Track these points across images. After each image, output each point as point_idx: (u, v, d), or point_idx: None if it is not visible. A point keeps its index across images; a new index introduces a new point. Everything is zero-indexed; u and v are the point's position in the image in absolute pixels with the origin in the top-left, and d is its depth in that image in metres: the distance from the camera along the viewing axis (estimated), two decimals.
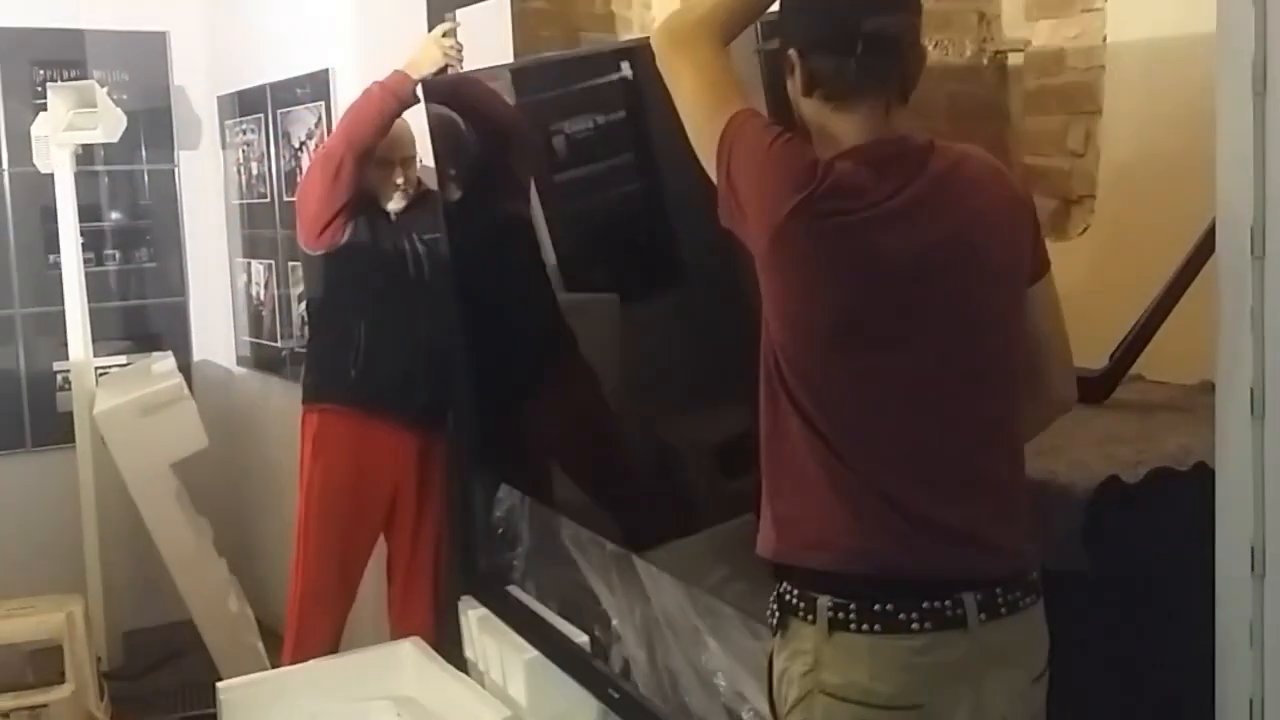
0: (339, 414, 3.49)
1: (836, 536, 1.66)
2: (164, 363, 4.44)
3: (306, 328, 3.64)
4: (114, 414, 3.98)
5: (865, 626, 1.63)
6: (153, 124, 4.86)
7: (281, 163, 4.38)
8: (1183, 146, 2.51)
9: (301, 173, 4.22)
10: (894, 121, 1.68)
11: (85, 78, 4.56)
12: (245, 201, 4.74)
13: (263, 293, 4.68)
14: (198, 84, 4.92)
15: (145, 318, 4.93)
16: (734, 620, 2.58)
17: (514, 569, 3.52)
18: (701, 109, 1.72)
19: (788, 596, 1.72)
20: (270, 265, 4.57)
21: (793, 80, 1.72)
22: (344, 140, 3.29)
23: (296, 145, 4.24)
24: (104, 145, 4.57)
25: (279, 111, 4.35)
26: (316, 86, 4.06)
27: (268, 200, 4.53)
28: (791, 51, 1.70)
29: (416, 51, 3.30)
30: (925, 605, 1.62)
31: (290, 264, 4.41)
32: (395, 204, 3.44)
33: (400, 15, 3.80)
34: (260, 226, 4.64)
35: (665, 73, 1.79)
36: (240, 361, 4.97)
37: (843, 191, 1.62)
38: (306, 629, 3.56)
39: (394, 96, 3.26)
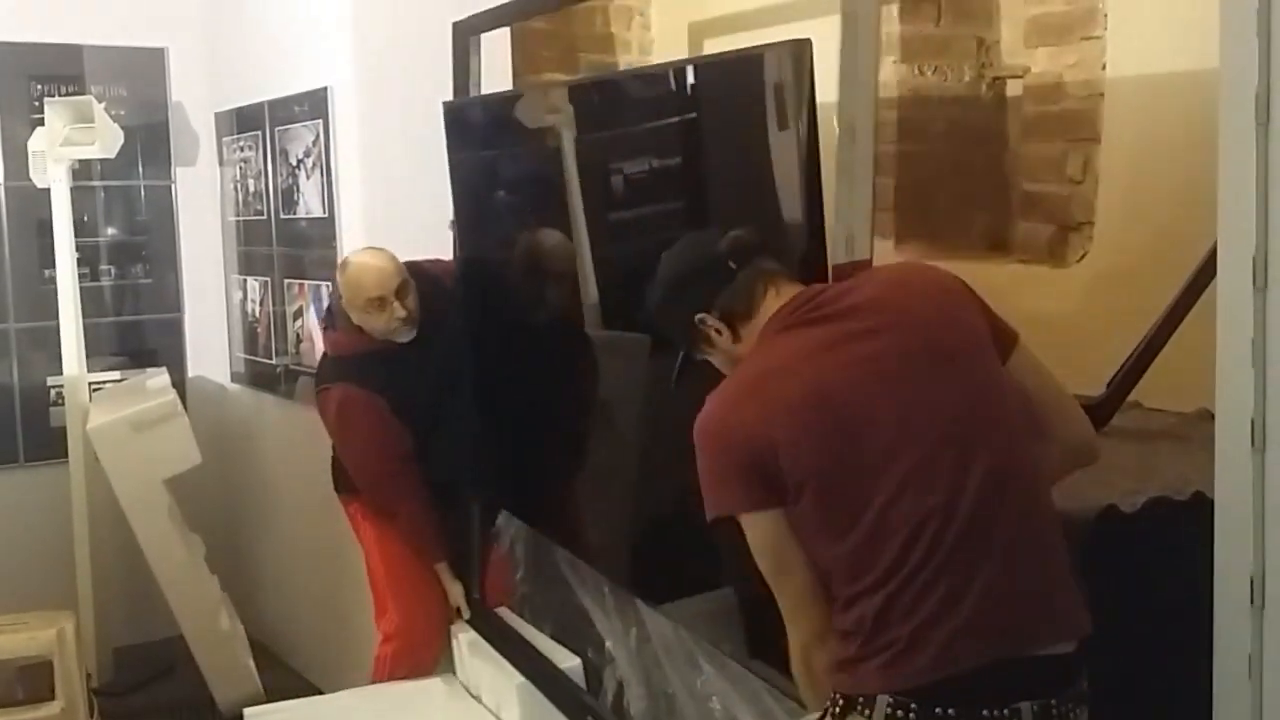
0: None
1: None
2: (158, 379, 4.42)
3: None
4: (107, 430, 3.97)
5: None
6: (150, 140, 4.86)
7: (278, 180, 4.37)
8: (1181, 175, 2.52)
9: (298, 191, 4.22)
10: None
11: (83, 93, 4.56)
12: (242, 218, 4.74)
13: (258, 309, 4.68)
14: (196, 100, 4.91)
15: (140, 333, 4.92)
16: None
17: (513, 591, 3.52)
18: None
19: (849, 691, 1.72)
20: (266, 282, 4.57)
21: (720, 336, 1.88)
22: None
23: (294, 162, 4.24)
24: (101, 160, 4.57)
25: (277, 129, 4.35)
26: (315, 104, 4.06)
27: (264, 217, 4.52)
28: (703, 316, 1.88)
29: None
30: (984, 713, 1.62)
31: (286, 281, 4.40)
32: (406, 336, 3.31)
33: (400, 34, 3.83)
34: (256, 243, 4.63)
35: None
36: (235, 378, 4.95)
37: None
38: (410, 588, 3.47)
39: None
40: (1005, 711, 1.62)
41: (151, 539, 3.99)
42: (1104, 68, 2.96)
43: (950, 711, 1.63)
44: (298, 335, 4.36)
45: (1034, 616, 1.65)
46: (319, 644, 4.47)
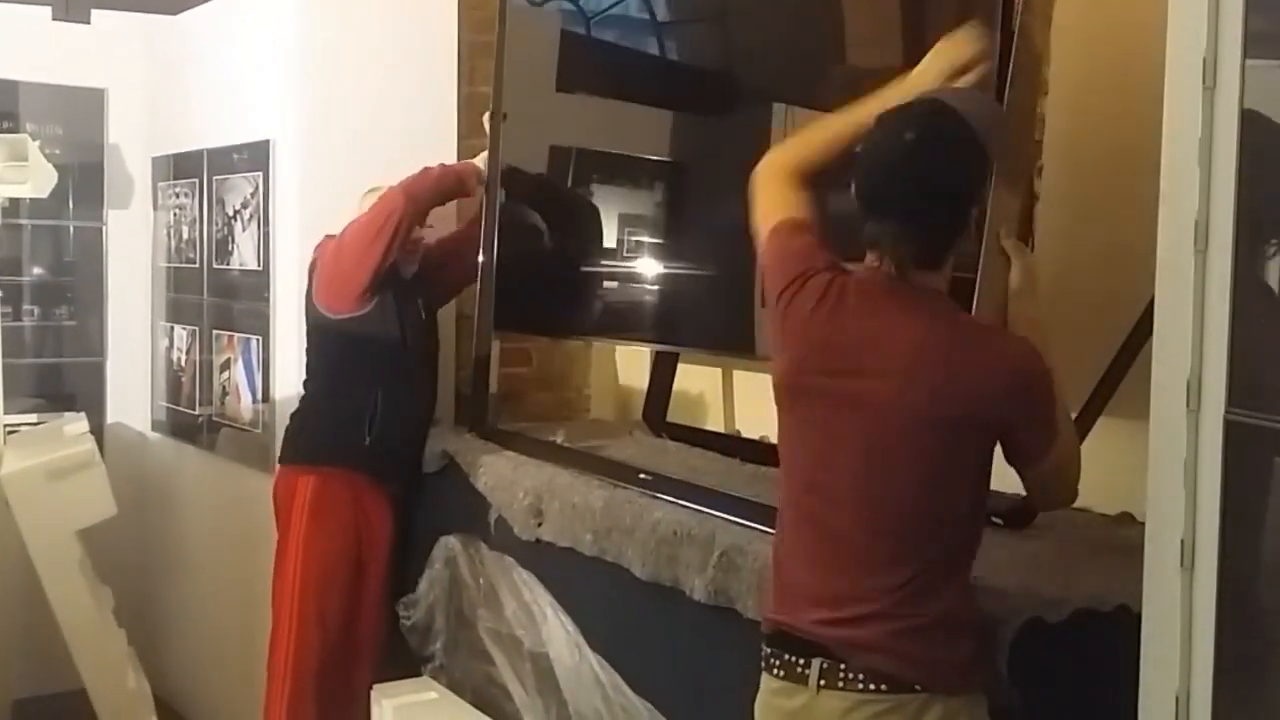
0: (344, 478, 3.43)
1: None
2: (77, 425, 4.32)
3: (304, 384, 3.58)
4: (21, 477, 3.86)
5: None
6: (84, 181, 4.79)
7: (213, 229, 4.32)
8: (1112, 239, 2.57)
9: (233, 241, 4.18)
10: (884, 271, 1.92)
11: (18, 130, 4.48)
12: (173, 265, 4.67)
13: (184, 359, 4.60)
14: (133, 143, 4.85)
15: (60, 376, 4.82)
16: None
17: (430, 659, 3.46)
18: (761, 216, 2.12)
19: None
20: (195, 332, 4.50)
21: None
22: (408, 200, 3.35)
23: (230, 213, 4.20)
24: (31, 199, 4.49)
25: (215, 177, 4.31)
26: (256, 156, 4.03)
27: (196, 266, 4.46)
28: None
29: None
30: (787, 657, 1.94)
31: (215, 331, 4.34)
32: (411, 265, 3.51)
33: (345, 90, 3.83)
34: (186, 291, 4.57)
35: (752, 196, 2.16)
36: (156, 426, 4.86)
37: (808, 292, 1.95)
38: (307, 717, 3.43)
39: (458, 177, 3.46)
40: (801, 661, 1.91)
41: (59, 591, 3.87)
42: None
43: (769, 651, 1.98)
44: (224, 388, 4.29)
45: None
46: (225, 704, 4.36)
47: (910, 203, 1.85)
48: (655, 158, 3.42)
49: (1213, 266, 1.50)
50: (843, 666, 1.85)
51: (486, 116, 3.55)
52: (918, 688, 1.81)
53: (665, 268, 3.28)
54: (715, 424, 3.85)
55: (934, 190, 1.85)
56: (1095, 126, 2.73)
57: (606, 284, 3.48)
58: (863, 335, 1.89)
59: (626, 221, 3.42)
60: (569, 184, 3.61)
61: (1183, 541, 1.50)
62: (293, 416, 3.62)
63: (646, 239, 3.39)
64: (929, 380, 1.82)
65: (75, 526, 3.91)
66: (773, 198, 2.11)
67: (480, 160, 3.53)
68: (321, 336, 3.51)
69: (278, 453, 3.64)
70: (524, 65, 3.59)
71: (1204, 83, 1.50)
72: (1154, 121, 1.68)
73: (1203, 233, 1.51)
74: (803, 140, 2.21)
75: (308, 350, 3.57)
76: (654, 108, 3.35)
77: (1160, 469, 1.55)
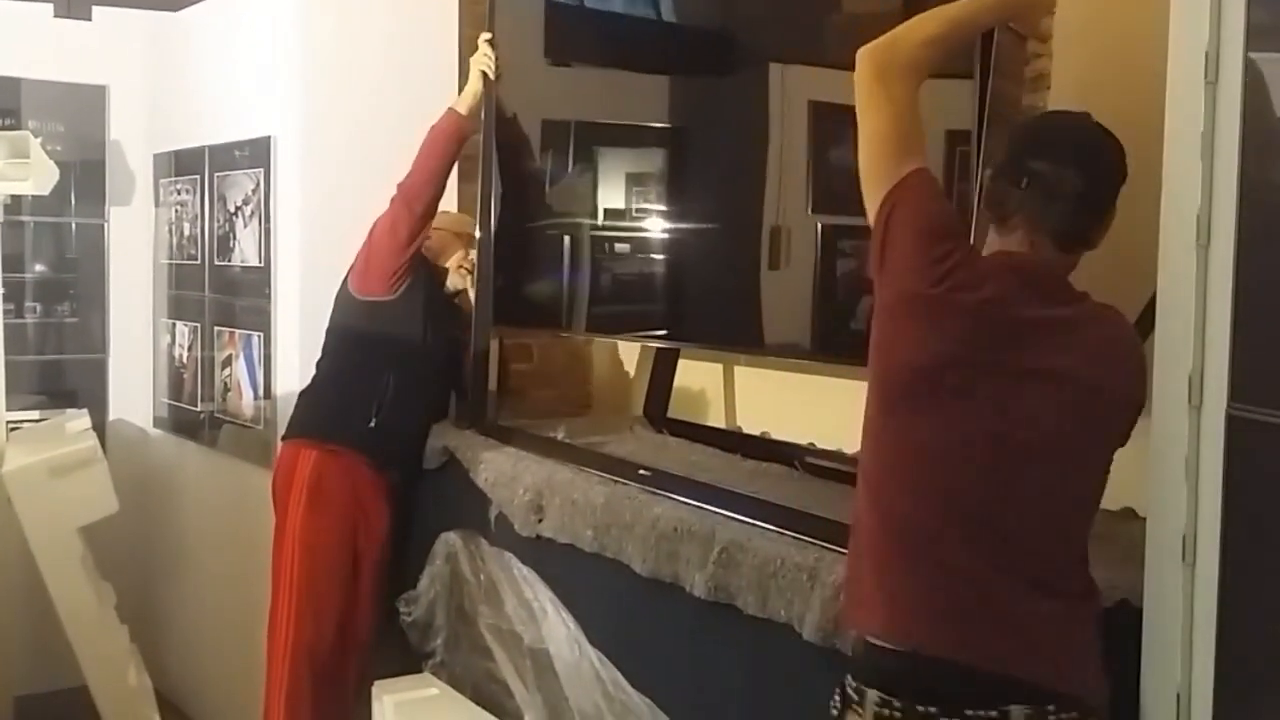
0: (344, 458, 3.44)
1: (899, 609, 1.71)
2: (78, 421, 4.32)
3: (318, 363, 3.61)
4: (23, 474, 3.86)
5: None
6: (85, 177, 4.78)
7: (215, 226, 4.32)
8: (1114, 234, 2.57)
9: (234, 238, 4.18)
10: (1043, 255, 1.78)
11: (20, 127, 4.48)
12: (174, 262, 4.67)
13: (185, 355, 4.60)
14: (134, 140, 4.85)
15: (62, 373, 4.81)
16: (649, 717, 2.56)
17: (431, 655, 3.46)
18: (886, 154, 1.83)
19: (848, 688, 1.78)
20: (196, 328, 4.49)
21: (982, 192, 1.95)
22: (405, 204, 3.41)
23: (232, 210, 4.19)
24: (33, 196, 4.48)
25: (216, 174, 4.31)
26: (257, 152, 4.02)
27: (198, 262, 4.46)
28: (985, 172, 1.93)
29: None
30: (969, 713, 1.62)
31: (216, 328, 4.34)
32: (458, 281, 3.61)
33: (346, 86, 3.82)
34: (188, 288, 4.56)
35: (863, 96, 1.87)
36: (157, 423, 4.86)
37: (964, 280, 1.73)
38: (304, 709, 3.42)
39: (446, 136, 3.43)
40: (994, 713, 1.61)
41: (62, 587, 3.87)
42: None
43: (932, 709, 1.63)
44: (225, 384, 4.29)
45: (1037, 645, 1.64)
46: (226, 700, 4.36)
47: (1091, 187, 1.76)
48: (657, 127, 3.36)
49: (1215, 262, 1.49)
50: (1050, 709, 1.62)
51: (484, 38, 3.51)
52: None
53: (672, 259, 3.25)
54: (716, 419, 3.84)
55: (1110, 176, 1.78)
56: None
57: (610, 275, 3.47)
58: (1045, 321, 1.73)
59: (633, 200, 3.38)
60: (565, 163, 3.58)
61: (1184, 537, 1.50)
62: (301, 394, 3.65)
63: (653, 225, 3.32)
64: (1124, 366, 1.72)
65: (77, 523, 3.91)
66: (896, 119, 1.84)
67: (461, 102, 3.49)
68: (344, 317, 3.55)
69: (278, 445, 3.65)
70: (514, 40, 3.57)
71: (1206, 77, 1.49)
72: (1157, 116, 1.67)
73: (1205, 228, 1.50)
74: (919, 32, 1.89)
75: (328, 331, 3.59)
76: (649, 75, 3.32)
77: (1162, 464, 1.54)
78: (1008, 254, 1.79)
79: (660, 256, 3.29)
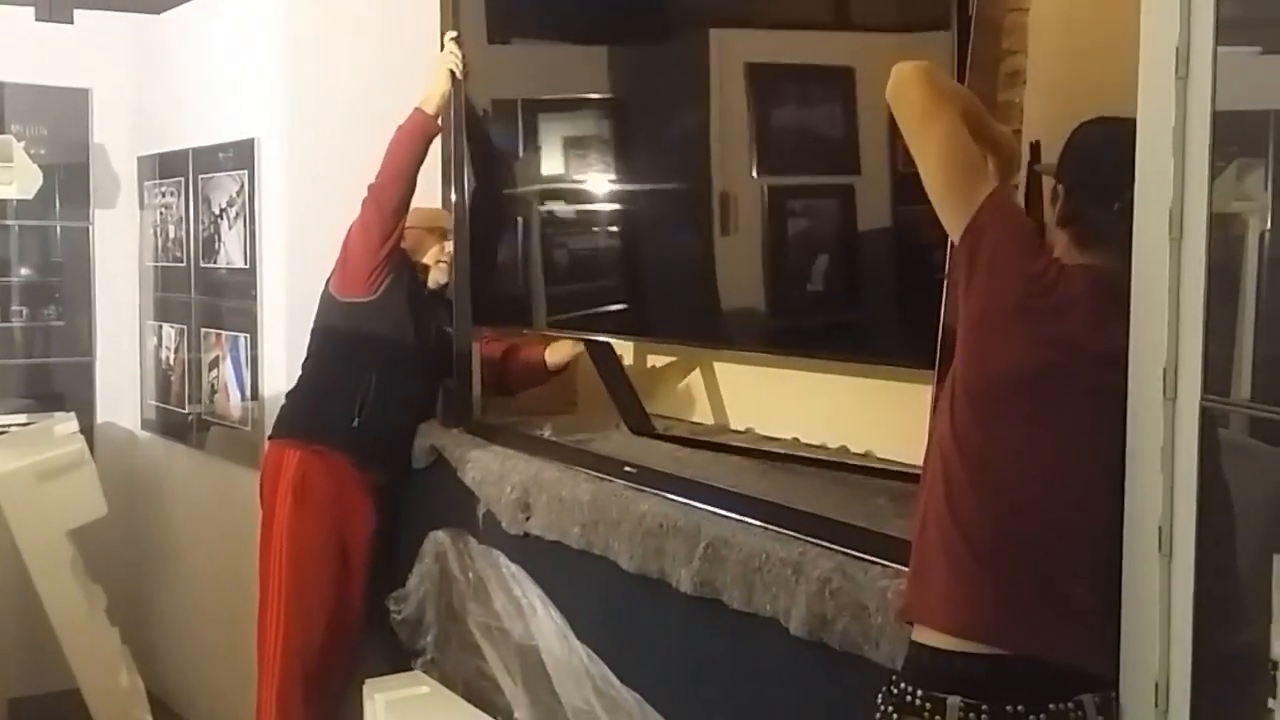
0: (329, 457, 3.46)
1: (973, 610, 1.73)
2: (66, 425, 4.33)
3: (303, 364, 3.63)
4: (11, 478, 3.87)
5: None
6: (70, 180, 4.78)
7: (200, 228, 4.32)
8: None
9: (220, 240, 4.19)
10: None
11: (4, 132, 4.48)
12: (160, 264, 4.67)
13: (173, 357, 4.61)
14: (118, 143, 4.85)
15: (49, 376, 4.82)
16: (638, 713, 2.58)
17: (421, 653, 3.47)
18: (958, 184, 1.87)
19: (911, 697, 1.75)
20: (183, 330, 4.50)
21: (1052, 206, 1.92)
22: (376, 206, 3.44)
23: (216, 212, 4.20)
24: (18, 200, 4.49)
25: (200, 176, 4.31)
26: (241, 154, 4.03)
27: (183, 264, 4.47)
28: (1059, 186, 1.91)
29: (429, 83, 3.48)
30: (1051, 707, 1.67)
31: (203, 330, 4.34)
32: (439, 275, 3.61)
33: (328, 87, 3.83)
34: (174, 290, 4.57)
35: (914, 128, 1.92)
36: (145, 425, 4.86)
37: (1064, 295, 1.77)
38: (296, 708, 3.44)
39: (412, 136, 3.43)
40: (1070, 704, 1.65)
41: (52, 591, 3.88)
42: None
43: (1019, 708, 1.67)
44: (212, 386, 4.29)
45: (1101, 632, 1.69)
46: (218, 701, 4.37)
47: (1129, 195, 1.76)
48: (602, 100, 3.35)
49: (1187, 255, 1.51)
50: (1113, 695, 1.68)
51: (451, 36, 3.54)
52: None
53: (634, 245, 3.27)
54: (703, 415, 3.84)
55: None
56: (1073, 118, 2.74)
57: (568, 264, 3.48)
58: (1118, 331, 1.71)
59: (588, 179, 3.36)
60: (529, 152, 3.57)
61: (1160, 528, 1.52)
62: (288, 395, 3.67)
63: (611, 208, 3.32)
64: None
65: (66, 526, 3.92)
66: (962, 139, 1.88)
67: (428, 101, 3.49)
68: (327, 318, 3.57)
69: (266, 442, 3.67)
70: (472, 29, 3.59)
71: (1177, 72, 1.51)
72: (1131, 112, 1.69)
73: (1177, 221, 1.52)
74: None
75: (312, 332, 3.61)
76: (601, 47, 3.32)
77: (1138, 457, 1.56)
78: (1095, 269, 1.80)
79: (619, 242, 3.32)
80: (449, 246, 3.60)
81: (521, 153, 3.58)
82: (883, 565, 2.04)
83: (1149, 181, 1.57)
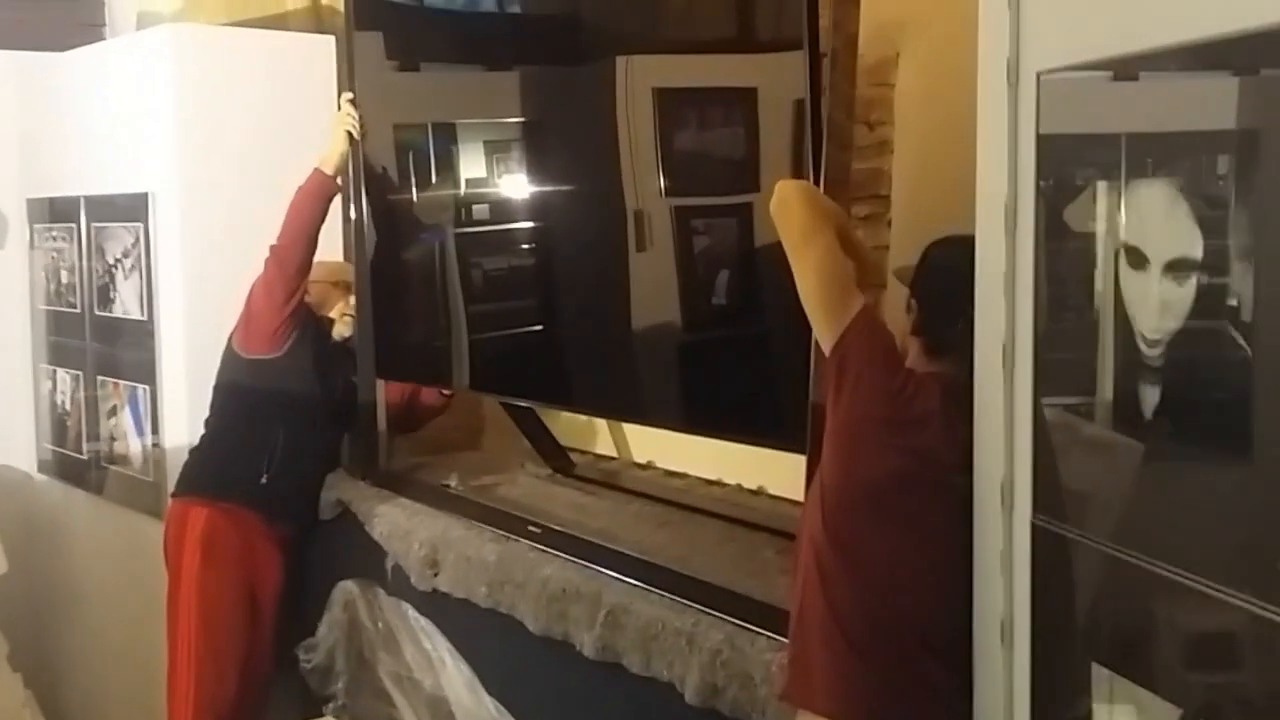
0: (237, 515, 3.54)
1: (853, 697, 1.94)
2: None
3: (206, 421, 3.72)
4: None
5: None
6: None
7: (94, 277, 4.35)
8: None
9: (115, 289, 4.22)
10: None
11: None
12: (52, 308, 4.68)
13: (69, 402, 4.62)
14: (6, 184, 4.82)
15: None
16: None
17: (332, 698, 3.59)
18: (831, 301, 2.05)
19: None
20: (78, 376, 4.52)
21: (907, 314, 2.13)
22: (279, 264, 3.53)
23: (111, 261, 4.23)
24: None
25: (94, 224, 4.33)
26: (135, 207, 4.06)
27: (78, 311, 4.48)
28: (913, 300, 2.12)
29: (327, 144, 3.60)
30: None
31: (100, 378, 4.37)
32: (344, 329, 3.72)
33: (225, 141, 3.89)
34: (68, 335, 4.58)
35: (794, 245, 2.09)
36: (42, 468, 4.87)
37: (913, 418, 1.97)
38: None
39: (312, 197, 3.55)
40: None
41: None
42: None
43: None
44: (111, 434, 4.33)
45: None
46: None
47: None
48: (506, 124, 3.43)
49: (1019, 377, 1.71)
50: None
51: (347, 98, 3.66)
52: None
53: (556, 312, 3.35)
54: (605, 444, 3.98)
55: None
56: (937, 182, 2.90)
57: (489, 324, 3.57)
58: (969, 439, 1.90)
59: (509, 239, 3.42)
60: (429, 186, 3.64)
61: (1002, 623, 1.73)
62: (191, 451, 3.74)
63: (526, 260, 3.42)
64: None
65: None
66: (835, 257, 2.08)
67: (327, 161, 3.60)
68: (231, 374, 3.65)
69: (168, 497, 3.74)
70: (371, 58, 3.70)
71: (1005, 228, 1.69)
72: None
73: (1010, 352, 1.72)
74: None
75: (215, 389, 3.69)
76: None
77: (982, 557, 1.78)
78: (947, 379, 1.99)
79: (530, 295, 3.43)
80: (353, 300, 3.72)
81: (420, 198, 3.67)
82: (768, 637, 2.23)
83: (986, 308, 1.77)
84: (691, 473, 3.60)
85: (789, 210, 2.11)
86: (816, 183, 2.24)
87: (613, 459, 3.91)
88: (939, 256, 2.11)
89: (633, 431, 3.87)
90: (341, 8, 4.67)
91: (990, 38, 1.67)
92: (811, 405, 2.24)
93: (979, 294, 1.76)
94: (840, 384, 2.00)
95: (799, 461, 2.95)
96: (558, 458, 3.82)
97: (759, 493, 3.40)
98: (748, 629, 2.29)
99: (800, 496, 3.18)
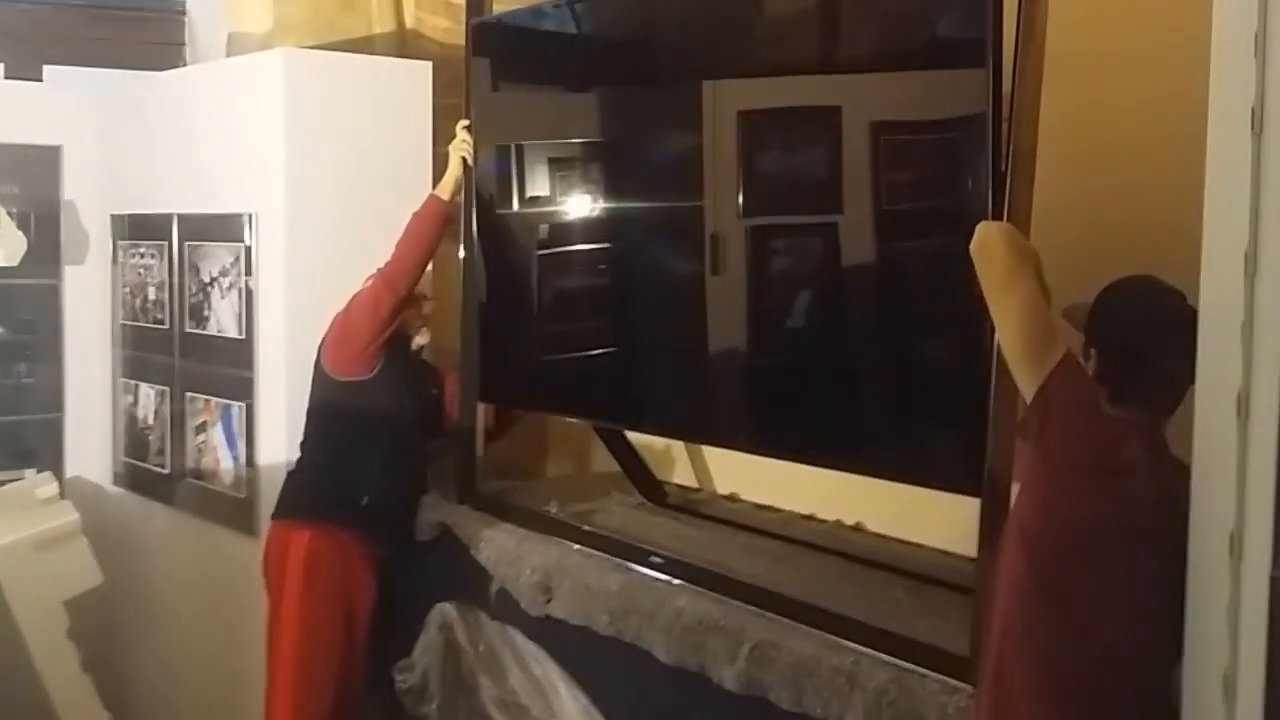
0: (337, 536, 3.55)
1: None
2: (46, 487, 4.32)
3: (302, 444, 3.73)
4: (8, 550, 3.88)
5: None
6: (40, 238, 4.76)
7: (186, 294, 4.35)
8: None
9: (209, 307, 4.23)
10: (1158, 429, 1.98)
11: None
12: (137, 324, 4.68)
13: (150, 416, 4.62)
14: (89, 201, 4.85)
15: (19, 433, 4.80)
16: None
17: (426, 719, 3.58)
18: (1033, 350, 2.06)
19: None
20: (164, 392, 4.52)
21: (1085, 360, 2.09)
22: (390, 289, 3.55)
23: (207, 280, 4.24)
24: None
25: (187, 243, 4.34)
26: (236, 228, 4.07)
27: (165, 327, 4.49)
28: (1091, 348, 2.09)
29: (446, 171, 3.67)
30: None
31: (188, 394, 4.37)
32: (422, 337, 3.76)
33: (328, 164, 3.91)
34: (152, 350, 4.57)
35: (995, 291, 2.11)
36: (116, 480, 4.87)
37: (1119, 466, 1.96)
38: None
39: (429, 221, 3.61)
40: None
41: (50, 663, 3.89)
42: None
43: None
44: (199, 450, 4.33)
45: None
46: None
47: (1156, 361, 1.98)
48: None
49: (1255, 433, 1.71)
50: None
51: (462, 125, 3.69)
52: None
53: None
54: (684, 475, 3.97)
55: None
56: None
57: (601, 350, 3.56)
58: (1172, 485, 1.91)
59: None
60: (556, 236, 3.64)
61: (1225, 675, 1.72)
62: (290, 474, 3.75)
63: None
64: None
65: (63, 597, 3.93)
66: (1039, 309, 2.07)
67: (443, 187, 3.66)
68: (326, 396, 3.66)
69: (262, 515, 3.74)
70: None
71: (1245, 269, 1.67)
72: None
73: (1244, 401, 1.71)
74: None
75: (310, 411, 3.70)
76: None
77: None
78: (1139, 423, 1.99)
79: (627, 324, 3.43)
80: (426, 308, 3.75)
81: (524, 222, 3.69)
82: (938, 679, 2.22)
83: (1212, 357, 1.75)
84: (780, 506, 3.59)
85: (990, 253, 2.11)
86: (998, 218, 2.22)
87: (697, 490, 3.90)
88: (1122, 303, 2.09)
89: (713, 459, 3.86)
90: (427, 32, 4.77)
91: (1227, 83, 1.67)
92: (991, 449, 2.22)
93: (1203, 342, 1.76)
94: (1044, 430, 1.99)
95: (894, 498, 2.96)
96: (651, 487, 3.82)
97: (859, 529, 3.40)
98: (914, 670, 2.27)
99: (907, 536, 3.23)
